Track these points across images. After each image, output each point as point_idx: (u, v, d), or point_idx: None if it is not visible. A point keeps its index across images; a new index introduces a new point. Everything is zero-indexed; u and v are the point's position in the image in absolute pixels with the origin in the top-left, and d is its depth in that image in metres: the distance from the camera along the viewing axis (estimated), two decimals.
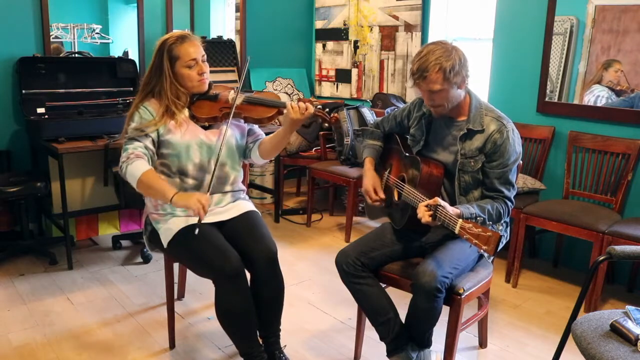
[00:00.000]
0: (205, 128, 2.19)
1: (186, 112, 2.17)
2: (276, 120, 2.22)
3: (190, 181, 2.15)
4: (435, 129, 2.14)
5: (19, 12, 3.49)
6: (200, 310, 2.77)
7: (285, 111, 2.12)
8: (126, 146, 2.08)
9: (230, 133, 2.20)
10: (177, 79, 2.14)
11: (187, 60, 2.11)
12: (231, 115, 2.10)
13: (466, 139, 2.02)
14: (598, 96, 3.14)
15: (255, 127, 2.34)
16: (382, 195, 2.18)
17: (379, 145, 2.34)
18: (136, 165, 2.01)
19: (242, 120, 2.27)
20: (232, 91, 2.21)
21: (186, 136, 2.13)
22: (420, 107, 2.17)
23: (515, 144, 2.00)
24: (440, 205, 1.79)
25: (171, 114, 2.12)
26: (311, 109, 2.08)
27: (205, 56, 2.18)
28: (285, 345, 2.22)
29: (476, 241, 1.67)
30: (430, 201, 1.82)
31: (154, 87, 2.14)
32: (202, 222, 2.11)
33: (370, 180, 2.22)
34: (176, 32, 2.18)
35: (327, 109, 2.44)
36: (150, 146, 2.09)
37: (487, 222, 1.96)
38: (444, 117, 2.08)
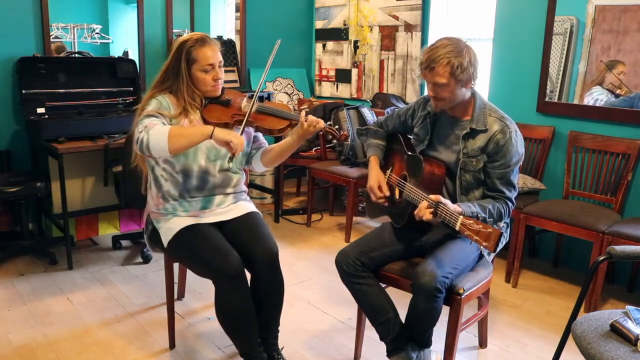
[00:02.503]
0: None
1: (198, 114, 2.16)
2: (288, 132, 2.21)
3: (194, 181, 2.14)
4: (439, 128, 2.14)
5: (19, 12, 3.49)
6: (200, 310, 2.77)
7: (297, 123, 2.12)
8: (142, 120, 2.01)
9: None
10: (192, 81, 2.13)
11: (204, 65, 2.10)
12: (244, 124, 2.07)
13: (469, 138, 2.03)
14: (597, 99, 3.14)
15: (260, 135, 2.33)
16: (387, 192, 2.17)
17: (382, 144, 2.34)
18: (158, 128, 1.94)
19: (253, 129, 2.26)
20: (245, 99, 2.21)
21: None
22: (425, 106, 2.17)
23: (518, 145, 2.00)
24: (441, 203, 1.80)
25: (186, 114, 2.11)
26: (321, 124, 2.08)
27: (222, 62, 2.17)
28: (283, 347, 2.22)
29: (477, 237, 1.67)
30: (432, 197, 1.82)
31: (170, 86, 2.13)
32: (203, 222, 2.12)
33: (375, 177, 2.21)
34: (196, 34, 2.15)
35: (337, 126, 2.43)
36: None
37: (488, 221, 1.96)
38: (449, 116, 2.09)
